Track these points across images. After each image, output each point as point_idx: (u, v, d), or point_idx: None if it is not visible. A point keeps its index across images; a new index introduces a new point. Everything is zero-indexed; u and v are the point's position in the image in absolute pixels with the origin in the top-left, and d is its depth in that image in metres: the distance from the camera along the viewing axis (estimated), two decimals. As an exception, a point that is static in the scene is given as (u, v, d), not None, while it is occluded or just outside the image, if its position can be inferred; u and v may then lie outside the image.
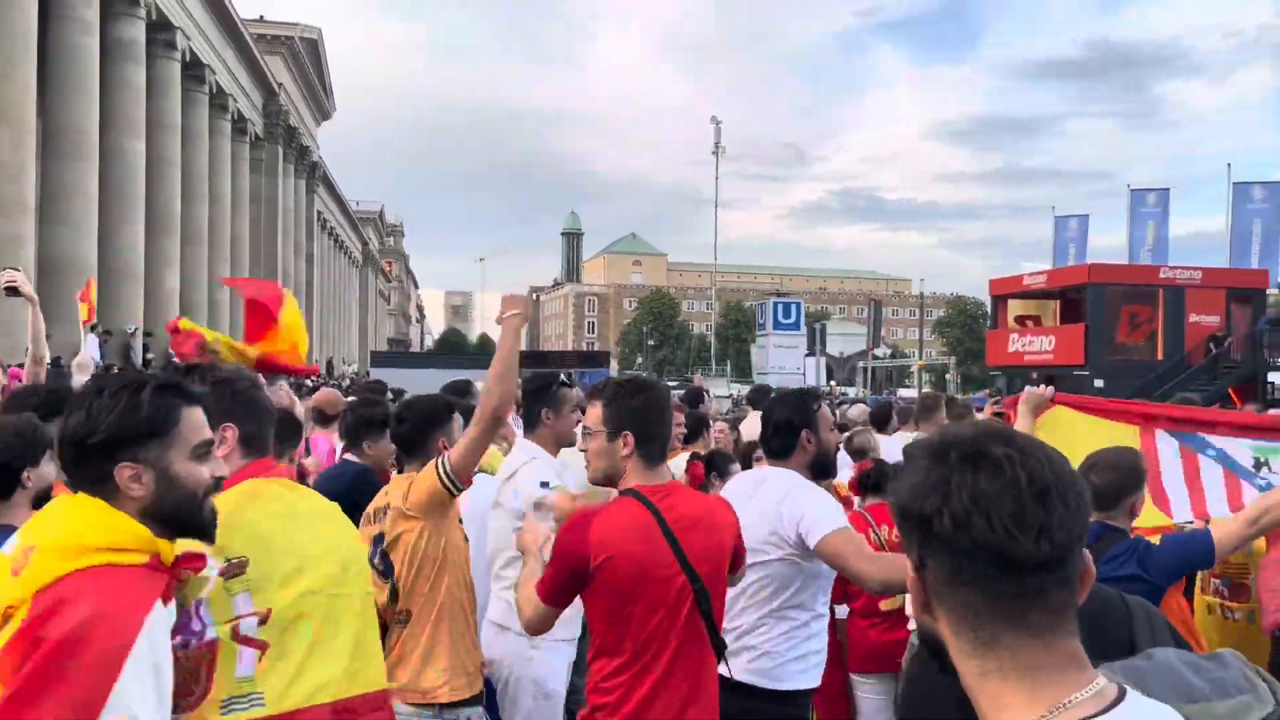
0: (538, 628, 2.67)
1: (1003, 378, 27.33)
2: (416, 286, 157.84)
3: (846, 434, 7.48)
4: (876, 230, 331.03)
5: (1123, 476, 2.98)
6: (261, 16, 39.00)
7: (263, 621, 2.03)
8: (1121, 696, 0.99)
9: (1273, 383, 24.45)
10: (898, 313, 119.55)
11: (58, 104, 20.00)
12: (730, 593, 2.81)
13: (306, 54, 43.76)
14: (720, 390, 30.45)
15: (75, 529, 1.68)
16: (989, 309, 35.28)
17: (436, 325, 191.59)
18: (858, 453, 6.74)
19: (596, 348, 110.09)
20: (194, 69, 28.94)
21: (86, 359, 5.23)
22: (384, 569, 3.07)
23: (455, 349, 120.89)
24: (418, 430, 3.33)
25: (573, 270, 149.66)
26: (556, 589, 2.54)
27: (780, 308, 22.09)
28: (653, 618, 2.47)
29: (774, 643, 3.04)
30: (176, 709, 1.90)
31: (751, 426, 7.71)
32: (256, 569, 2.02)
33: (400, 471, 3.48)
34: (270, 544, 2.07)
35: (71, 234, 20.20)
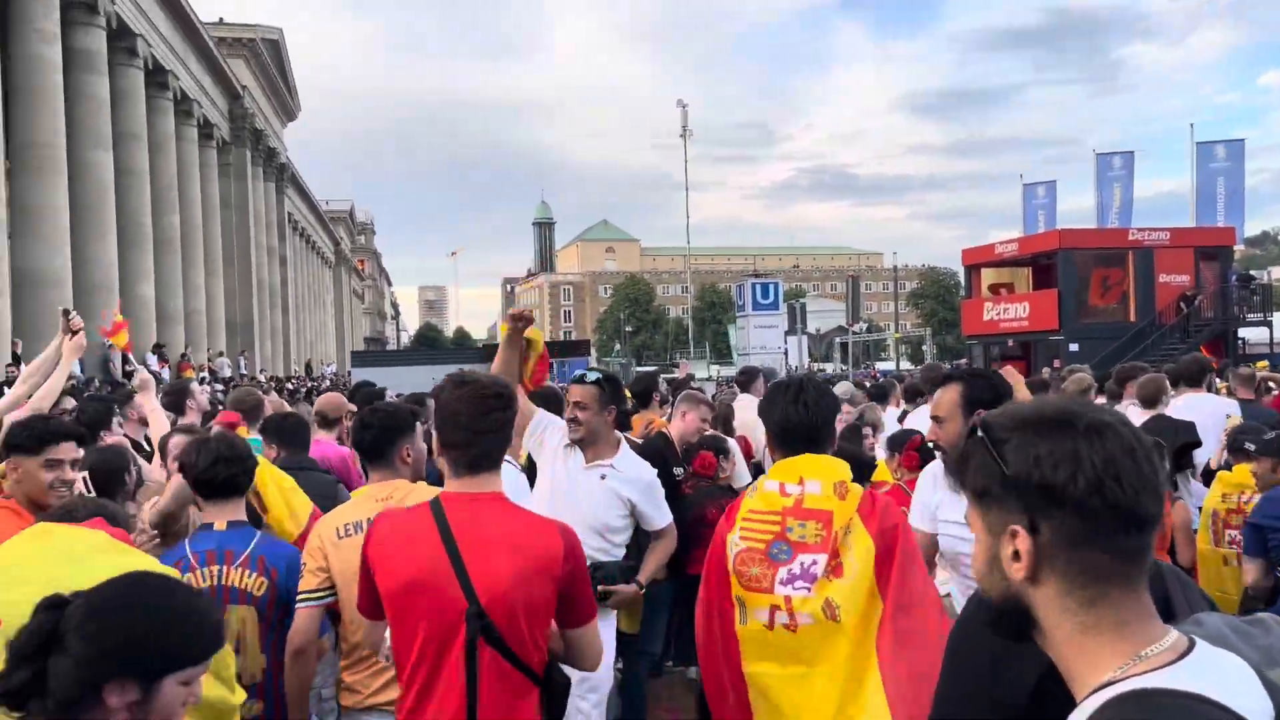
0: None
1: (979, 346, 27.65)
2: (390, 284, 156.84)
3: (856, 410, 7.64)
4: (847, 206, 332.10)
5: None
6: (221, 19, 38.58)
7: None
8: (1192, 646, 1.10)
9: (1243, 339, 24.90)
10: (871, 286, 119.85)
11: (22, 118, 19.81)
12: None
13: (269, 55, 43.36)
14: (700, 373, 30.60)
15: None
16: (962, 279, 35.59)
17: (411, 321, 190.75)
18: (871, 428, 6.89)
19: (574, 337, 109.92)
20: (157, 75, 28.66)
21: (148, 378, 5.27)
22: None
23: (432, 344, 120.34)
24: (383, 438, 3.26)
25: (546, 260, 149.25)
26: (363, 596, 2.46)
27: (759, 288, 22.25)
28: (419, 640, 2.29)
29: None
30: None
31: (744, 408, 7.83)
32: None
33: (366, 478, 3.49)
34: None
35: (43, 248, 20.05)
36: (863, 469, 4.10)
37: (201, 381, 21.82)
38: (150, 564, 2.44)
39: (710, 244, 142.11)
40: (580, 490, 3.95)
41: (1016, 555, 1.14)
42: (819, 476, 2.68)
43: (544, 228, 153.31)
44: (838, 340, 41.92)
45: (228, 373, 29.74)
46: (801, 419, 2.74)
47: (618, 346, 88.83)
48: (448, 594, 2.26)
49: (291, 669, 2.99)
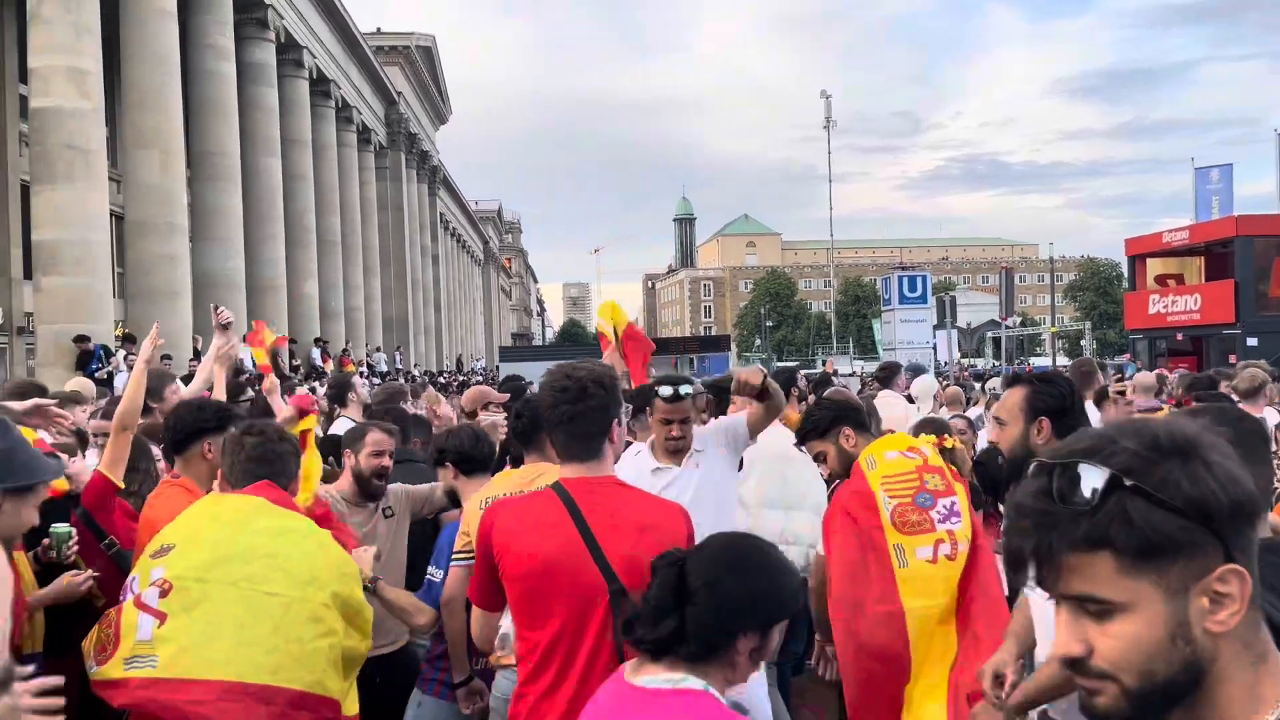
0: (480, 633, 2.67)
1: (1144, 341, 26.15)
2: (535, 281, 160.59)
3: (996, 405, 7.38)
4: (999, 195, 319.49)
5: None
6: (379, 29, 40.34)
7: (163, 594, 2.42)
8: None
9: None
10: (1025, 279, 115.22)
11: (201, 129, 21.21)
12: None
13: (422, 61, 45.06)
14: (844, 368, 30.08)
15: None
16: (1125, 270, 33.71)
17: (556, 318, 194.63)
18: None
19: (714, 332, 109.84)
20: (320, 85, 30.22)
21: (275, 382, 5.66)
22: None
23: (575, 340, 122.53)
24: (533, 426, 3.47)
25: (687, 255, 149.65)
26: (479, 587, 2.52)
27: (905, 281, 21.68)
28: (556, 620, 2.32)
29: None
30: (98, 662, 2.40)
31: (886, 404, 7.67)
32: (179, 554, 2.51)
33: (517, 465, 3.77)
34: (195, 539, 2.52)
35: (220, 250, 21.42)
36: None
37: (360, 375, 22.93)
38: (305, 523, 2.73)
39: (854, 237, 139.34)
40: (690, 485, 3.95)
41: (1214, 603, 0.94)
42: (923, 443, 3.47)
43: (685, 223, 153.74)
44: (989, 335, 40.42)
45: (384, 367, 31.09)
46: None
47: (758, 342, 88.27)
48: (585, 576, 2.29)
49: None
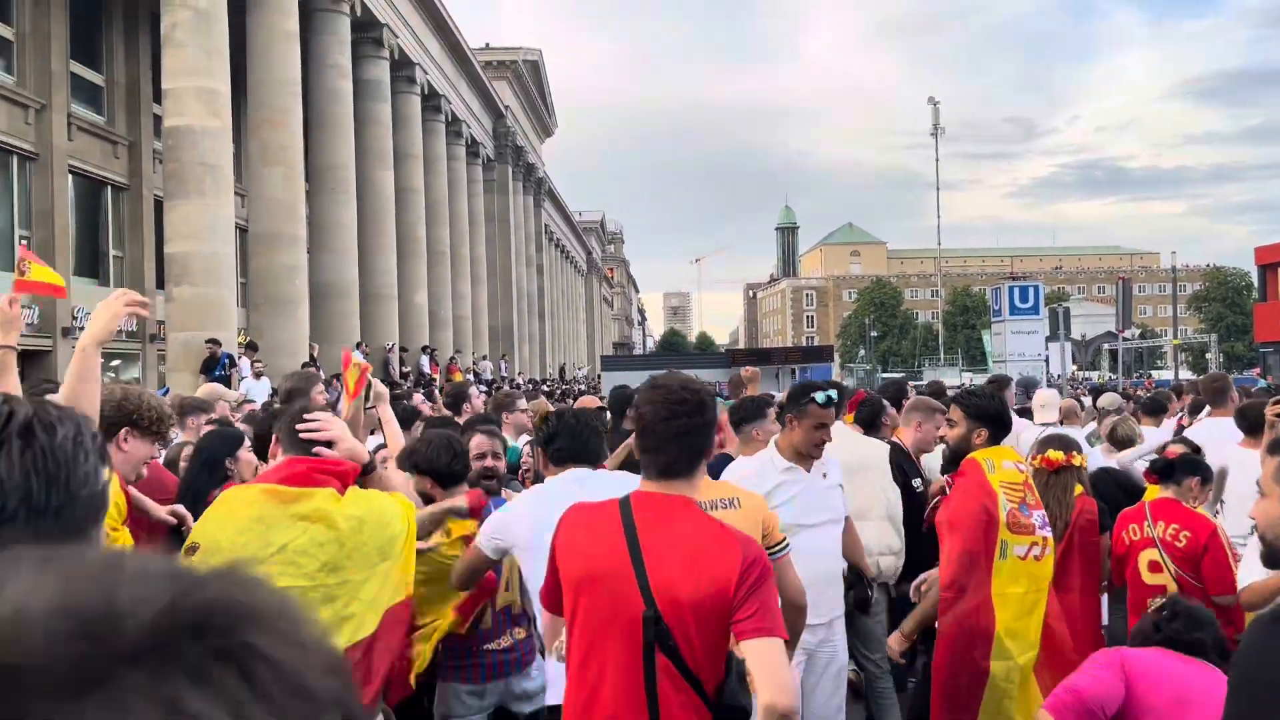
0: (547, 635, 2.76)
1: (1276, 354, 24.83)
2: (637, 290, 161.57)
3: (1107, 422, 7.14)
4: (1117, 202, 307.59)
5: None
6: (487, 44, 41.31)
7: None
8: None
9: None
10: (1144, 289, 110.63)
11: (320, 144, 22.08)
12: None
13: (529, 75, 45.96)
14: (951, 380, 29.37)
15: None
16: (1255, 279, 32.08)
17: (656, 327, 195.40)
18: (1121, 443, 6.44)
19: (816, 342, 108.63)
20: (431, 100, 31.12)
21: (383, 390, 5.81)
22: None
23: (676, 349, 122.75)
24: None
25: (788, 264, 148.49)
26: (546, 589, 2.54)
27: (1016, 291, 21.04)
28: (591, 633, 2.31)
29: None
30: None
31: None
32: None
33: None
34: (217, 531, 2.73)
35: (336, 261, 22.24)
36: None
37: (466, 383, 23.49)
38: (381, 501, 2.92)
39: (963, 245, 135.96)
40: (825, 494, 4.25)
41: None
42: (1018, 459, 4.11)
43: (787, 232, 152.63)
44: (1105, 347, 38.95)
45: (489, 375, 31.73)
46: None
47: (861, 352, 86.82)
48: (625, 593, 2.26)
49: None
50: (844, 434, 5.21)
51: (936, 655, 3.91)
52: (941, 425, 5.74)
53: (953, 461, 4.11)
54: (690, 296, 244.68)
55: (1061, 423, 7.15)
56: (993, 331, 22.79)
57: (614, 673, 2.26)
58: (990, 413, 4.04)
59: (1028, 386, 9.94)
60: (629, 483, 2.75)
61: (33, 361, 17.50)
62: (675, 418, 2.34)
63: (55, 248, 17.79)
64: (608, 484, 3.05)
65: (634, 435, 2.52)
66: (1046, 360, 19.41)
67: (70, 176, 18.44)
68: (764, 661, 2.16)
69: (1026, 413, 8.33)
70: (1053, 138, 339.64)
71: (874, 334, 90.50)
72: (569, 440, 3.32)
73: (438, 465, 3.69)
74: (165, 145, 16.58)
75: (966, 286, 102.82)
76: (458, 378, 25.58)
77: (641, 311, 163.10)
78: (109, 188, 20.33)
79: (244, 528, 2.69)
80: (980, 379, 32.37)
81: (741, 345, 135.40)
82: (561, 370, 53.90)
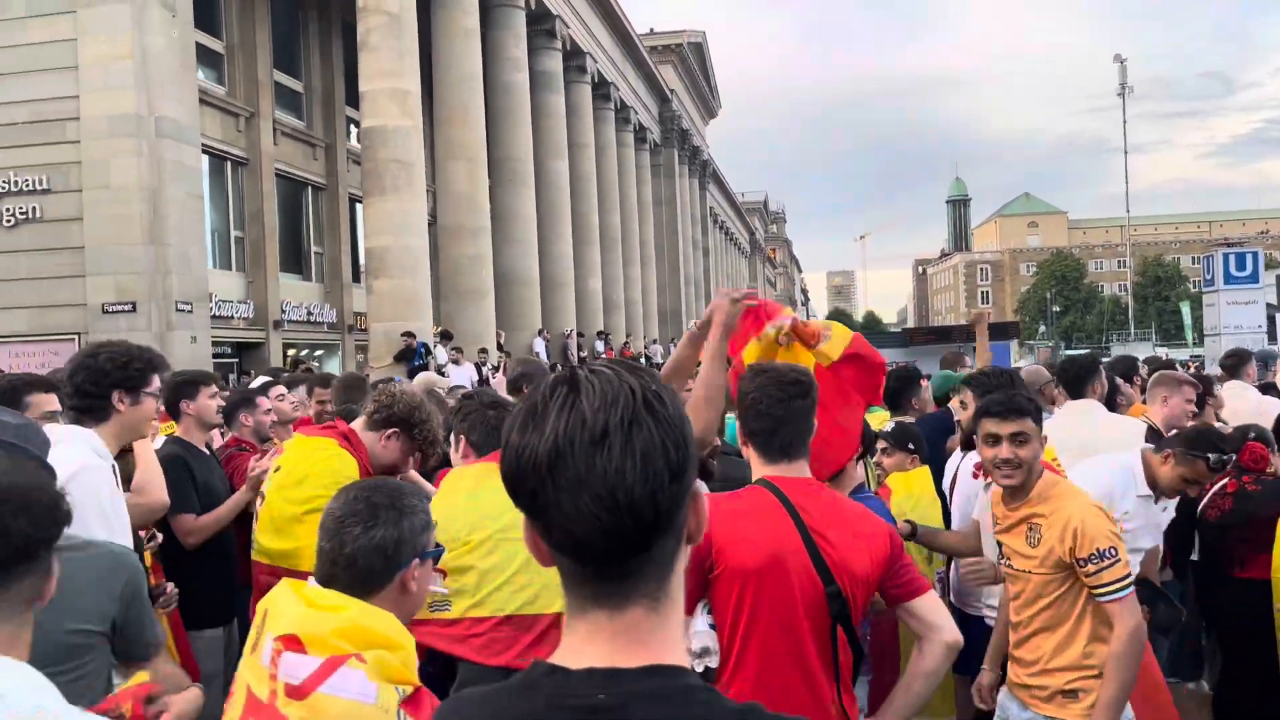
0: None
1: None
2: (800, 270, 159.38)
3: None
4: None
5: None
6: (651, 29, 41.46)
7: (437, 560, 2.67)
8: None
9: None
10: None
11: (500, 136, 22.70)
12: None
13: (693, 58, 45.87)
14: (1142, 355, 27.49)
15: None
16: None
17: (819, 307, 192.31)
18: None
19: (991, 319, 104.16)
20: (601, 88, 31.52)
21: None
22: None
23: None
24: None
25: (961, 238, 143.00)
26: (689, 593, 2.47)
27: (1232, 259, 19.43)
28: (762, 621, 2.31)
29: None
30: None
31: (1234, 395, 6.90)
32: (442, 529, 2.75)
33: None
34: (449, 514, 2.72)
35: (517, 251, 22.87)
36: None
37: (640, 367, 23.79)
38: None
39: (1151, 212, 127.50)
40: None
41: None
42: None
43: (958, 205, 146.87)
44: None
45: (659, 359, 32.00)
46: None
47: (1042, 328, 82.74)
48: (806, 573, 2.30)
49: None
50: (1092, 412, 4.86)
51: None
52: (1191, 398, 5.31)
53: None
54: (854, 275, 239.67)
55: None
56: (1205, 303, 21.12)
57: (792, 653, 2.30)
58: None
59: (1266, 360, 9.10)
60: None
61: (248, 353, 18.83)
62: (790, 399, 2.42)
63: (265, 247, 19.03)
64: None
65: (740, 419, 2.52)
66: (1269, 332, 17.88)
67: (276, 179, 19.65)
68: (935, 609, 2.41)
69: (1270, 388, 7.65)
70: (1254, 91, 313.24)
71: (1056, 309, 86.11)
72: None
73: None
74: (362, 145, 17.42)
75: (1158, 256, 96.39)
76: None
77: (804, 291, 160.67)
78: (309, 188, 21.57)
79: (466, 507, 2.85)
80: (1178, 354, 30.14)
81: (911, 323, 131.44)
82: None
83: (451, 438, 3.16)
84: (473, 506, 2.82)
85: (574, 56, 28.39)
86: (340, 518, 1.89)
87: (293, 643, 1.77)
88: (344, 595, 1.85)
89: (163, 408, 3.75)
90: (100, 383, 3.05)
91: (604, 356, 27.06)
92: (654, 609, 0.97)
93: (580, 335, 26.80)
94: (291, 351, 20.45)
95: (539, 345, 22.42)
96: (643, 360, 28.59)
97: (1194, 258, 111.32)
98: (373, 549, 1.87)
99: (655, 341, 35.46)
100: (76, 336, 13.74)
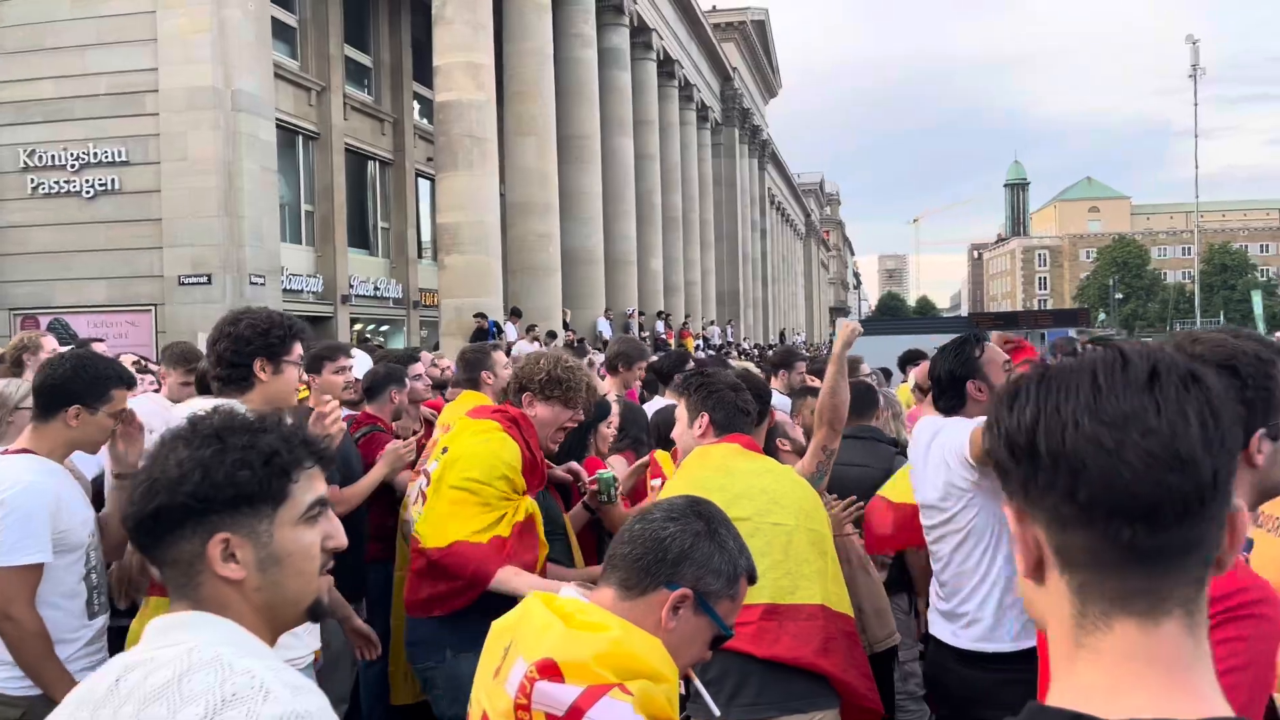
0: None
1: None
2: (853, 253, 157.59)
3: None
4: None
5: None
6: (714, 6, 40.86)
7: None
8: None
9: None
10: None
11: (568, 114, 22.42)
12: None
13: (756, 36, 45.18)
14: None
15: None
16: None
17: (871, 291, 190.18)
18: None
19: (1050, 305, 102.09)
20: (665, 66, 31.08)
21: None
22: None
23: (894, 313, 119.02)
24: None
25: (1019, 223, 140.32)
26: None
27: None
28: None
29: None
30: None
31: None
32: None
33: None
34: (705, 486, 2.60)
35: (583, 229, 22.62)
36: None
37: (696, 349, 23.45)
38: (776, 465, 3.08)
39: (1219, 198, 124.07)
40: None
41: None
42: None
43: (1017, 189, 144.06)
44: None
45: (718, 341, 31.66)
46: None
47: (1103, 316, 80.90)
48: None
49: None
50: None
51: None
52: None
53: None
54: (906, 259, 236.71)
55: None
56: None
57: None
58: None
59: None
60: None
61: (316, 327, 18.82)
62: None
63: (334, 221, 18.99)
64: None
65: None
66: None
67: (345, 154, 19.59)
68: None
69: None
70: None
71: (1117, 296, 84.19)
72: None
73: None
74: (436, 119, 17.24)
75: (1226, 243, 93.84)
76: (689, 344, 25.61)
77: (857, 275, 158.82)
78: (376, 163, 21.50)
79: (722, 483, 2.81)
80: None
81: (965, 309, 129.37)
82: (781, 335, 53.21)
83: (685, 412, 3.08)
84: (729, 483, 2.80)
85: (640, 33, 27.98)
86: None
87: (549, 670, 1.57)
88: (606, 612, 1.64)
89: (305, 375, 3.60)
90: (241, 351, 2.93)
91: (665, 338, 26.77)
92: (1190, 627, 0.75)
93: (643, 315, 26.55)
94: (358, 326, 20.44)
95: (603, 325, 22.20)
96: (700, 343, 28.25)
97: (1262, 245, 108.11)
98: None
99: (713, 323, 35.09)
100: (153, 308, 13.78)
